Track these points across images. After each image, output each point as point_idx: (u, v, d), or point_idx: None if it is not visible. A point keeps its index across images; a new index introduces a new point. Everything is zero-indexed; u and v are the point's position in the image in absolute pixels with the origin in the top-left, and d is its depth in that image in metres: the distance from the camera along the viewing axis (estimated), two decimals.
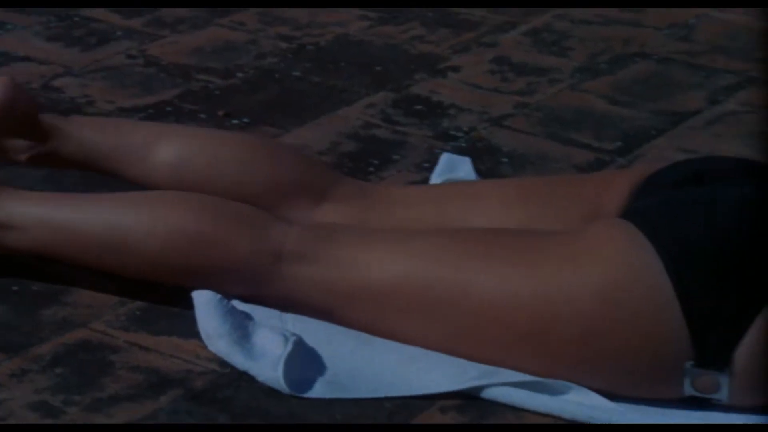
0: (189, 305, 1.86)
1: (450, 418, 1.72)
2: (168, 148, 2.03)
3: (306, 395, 1.73)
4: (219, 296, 1.83)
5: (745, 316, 1.67)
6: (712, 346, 1.68)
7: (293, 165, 2.06)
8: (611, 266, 1.72)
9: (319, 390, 1.74)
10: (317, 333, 1.85)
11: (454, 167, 2.33)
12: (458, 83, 2.78)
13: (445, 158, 2.37)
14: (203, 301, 1.84)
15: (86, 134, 2.05)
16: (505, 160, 2.47)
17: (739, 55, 2.94)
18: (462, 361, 1.79)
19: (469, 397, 1.75)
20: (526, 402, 1.73)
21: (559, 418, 1.73)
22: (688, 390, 1.72)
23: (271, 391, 1.74)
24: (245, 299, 1.88)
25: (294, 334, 1.80)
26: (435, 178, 2.33)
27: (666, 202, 1.79)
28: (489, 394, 1.75)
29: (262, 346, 1.80)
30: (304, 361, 1.79)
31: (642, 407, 1.75)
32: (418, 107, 2.66)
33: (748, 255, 1.70)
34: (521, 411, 1.74)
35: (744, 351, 1.68)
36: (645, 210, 1.79)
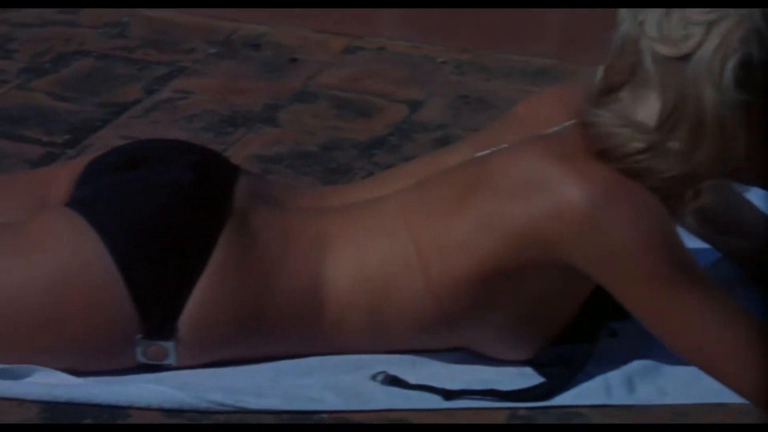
0: None
1: None
2: None
3: None
4: None
5: (184, 288, 1.68)
6: (156, 319, 1.68)
7: None
8: (57, 256, 1.69)
9: None
10: None
11: None
12: None
13: None
14: None
15: None
16: None
17: (170, 48, 2.96)
18: None
19: None
20: None
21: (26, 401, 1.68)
22: (141, 359, 1.73)
23: None
24: None
25: None
26: None
27: (105, 187, 1.78)
28: None
29: None
30: None
31: (104, 378, 1.75)
32: None
33: (181, 232, 1.71)
34: None
35: (186, 320, 1.69)
36: (85, 197, 1.78)
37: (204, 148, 2.02)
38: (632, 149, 1.58)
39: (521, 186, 1.61)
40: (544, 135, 1.69)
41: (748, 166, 1.61)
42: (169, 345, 1.71)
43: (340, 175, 2.44)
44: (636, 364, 1.77)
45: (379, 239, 1.71)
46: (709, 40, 1.54)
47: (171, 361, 1.73)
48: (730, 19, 1.54)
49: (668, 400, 1.72)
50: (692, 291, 1.59)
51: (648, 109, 1.59)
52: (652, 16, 1.59)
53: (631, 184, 1.59)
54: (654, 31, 1.58)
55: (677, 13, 1.57)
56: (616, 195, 1.58)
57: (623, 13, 1.62)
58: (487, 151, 1.72)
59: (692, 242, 1.85)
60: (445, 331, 1.72)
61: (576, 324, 1.72)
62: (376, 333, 1.74)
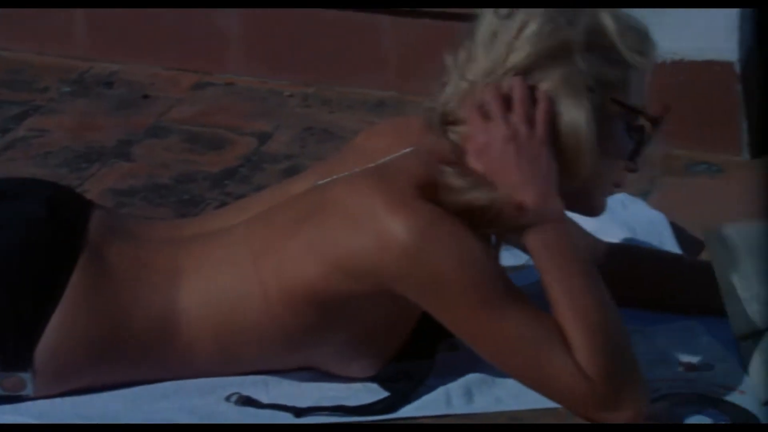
0: None
1: None
2: None
3: None
4: None
5: (39, 320, 1.69)
6: (12, 351, 1.69)
7: None
8: None
9: None
10: None
11: None
12: None
13: None
14: None
15: None
16: None
17: (24, 87, 2.95)
18: None
19: None
20: None
21: None
22: None
23: None
24: None
25: None
26: None
27: None
28: None
29: None
30: None
31: None
32: None
33: (34, 265, 1.71)
34: None
35: (42, 351, 1.70)
36: None
37: (57, 184, 2.03)
38: (455, 184, 1.63)
39: (351, 216, 1.65)
40: (378, 164, 1.73)
41: (574, 193, 1.66)
42: (26, 376, 1.71)
43: (193, 206, 2.46)
44: (474, 376, 1.82)
45: (226, 267, 1.74)
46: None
47: (28, 391, 1.73)
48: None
49: (503, 407, 1.78)
50: (510, 315, 1.64)
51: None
52: (478, 46, 1.64)
53: (450, 218, 1.64)
54: (480, 61, 1.63)
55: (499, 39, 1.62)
56: (437, 230, 1.62)
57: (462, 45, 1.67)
58: (328, 179, 1.76)
59: (515, 259, 1.93)
60: (290, 351, 1.75)
61: (416, 340, 1.77)
62: (226, 357, 1.76)
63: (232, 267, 1.73)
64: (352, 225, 1.65)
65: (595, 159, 1.63)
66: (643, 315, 1.95)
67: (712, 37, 2.65)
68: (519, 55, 1.62)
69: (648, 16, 2.61)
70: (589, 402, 1.61)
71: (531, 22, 1.61)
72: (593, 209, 1.75)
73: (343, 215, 1.66)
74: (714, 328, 1.91)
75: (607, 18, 1.64)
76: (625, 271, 1.96)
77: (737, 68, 2.66)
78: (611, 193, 1.76)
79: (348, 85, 3.01)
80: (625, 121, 1.68)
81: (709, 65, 2.67)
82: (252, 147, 2.73)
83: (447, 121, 1.68)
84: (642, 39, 1.65)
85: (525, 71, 1.62)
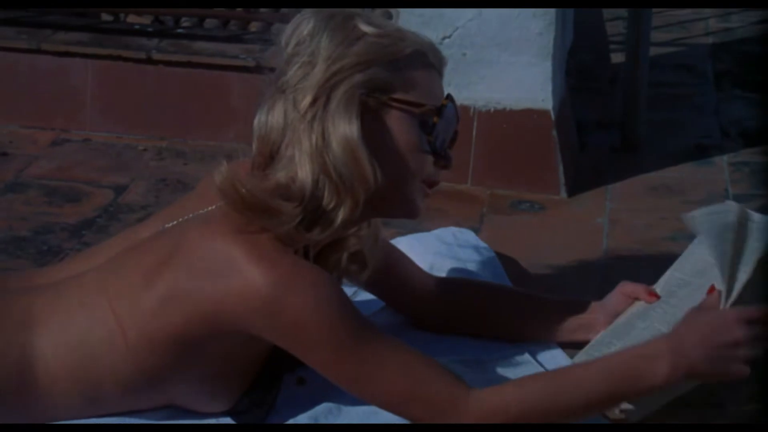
0: None
1: None
2: None
3: None
4: None
5: None
6: None
7: None
8: None
9: None
10: None
11: None
12: None
13: None
14: None
15: None
16: None
17: None
18: None
19: None
20: None
21: None
22: None
23: None
24: None
25: None
26: None
27: None
28: None
29: None
30: None
31: None
32: None
33: None
34: None
35: None
36: None
37: None
38: (288, 222, 1.62)
39: (210, 265, 1.63)
40: (218, 208, 1.70)
41: (386, 197, 1.67)
42: None
43: (52, 256, 2.42)
44: (322, 406, 1.82)
45: (82, 311, 1.71)
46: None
47: None
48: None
49: None
50: (368, 349, 1.64)
51: (300, 176, 1.64)
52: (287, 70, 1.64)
53: (305, 265, 1.64)
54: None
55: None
56: (296, 280, 1.62)
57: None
58: (174, 222, 1.74)
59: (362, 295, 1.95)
60: (149, 390, 1.73)
61: (266, 373, 1.76)
62: (88, 399, 1.73)
63: (88, 312, 1.70)
64: (212, 274, 1.62)
65: (382, 161, 1.63)
66: (480, 345, 1.98)
67: (530, 88, 2.73)
68: (315, 77, 1.62)
69: (474, 70, 2.69)
70: (453, 414, 1.61)
71: (321, 50, 1.62)
72: (411, 210, 1.75)
73: (201, 263, 1.64)
74: (544, 357, 1.95)
75: (367, 28, 1.64)
76: (459, 303, 1.98)
77: (552, 116, 2.73)
78: (426, 192, 1.75)
79: (200, 138, 3.00)
80: (414, 117, 1.70)
81: (528, 113, 2.74)
82: (109, 199, 2.70)
83: (266, 163, 1.66)
84: (395, 40, 1.66)
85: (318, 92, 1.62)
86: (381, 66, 1.65)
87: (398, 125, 1.67)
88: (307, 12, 1.67)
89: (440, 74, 1.73)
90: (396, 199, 1.72)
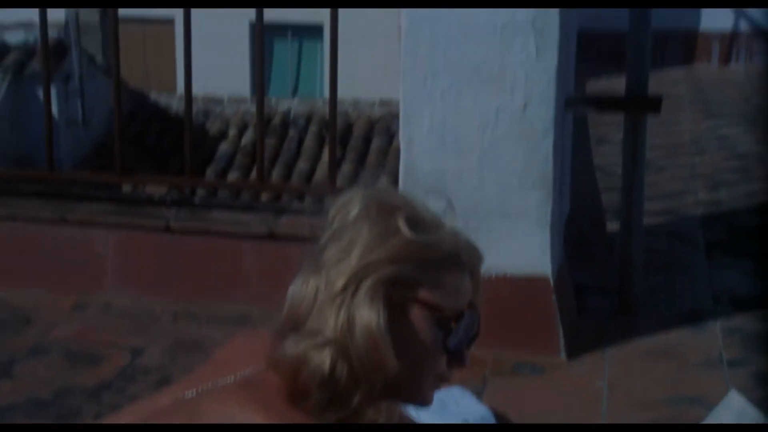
0: None
1: None
2: None
3: None
4: None
5: None
6: None
7: None
8: None
9: None
10: None
11: None
12: None
13: None
14: None
15: None
16: None
17: None
18: None
19: None
20: None
21: None
22: None
23: None
24: None
25: None
26: None
27: None
28: None
29: None
30: None
31: None
32: None
33: None
34: None
35: None
36: None
37: None
38: (314, 390, 1.65)
39: None
40: (239, 378, 1.73)
41: (399, 385, 1.71)
42: None
43: (71, 418, 2.44)
44: None
45: None
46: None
47: None
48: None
49: None
50: None
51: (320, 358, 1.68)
52: (328, 260, 1.69)
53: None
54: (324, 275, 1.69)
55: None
56: None
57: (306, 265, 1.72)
58: (193, 391, 1.77)
59: None
60: None
61: None
62: None
63: None
64: None
65: (400, 354, 1.67)
66: None
67: (530, 255, 2.79)
68: (350, 264, 1.66)
69: (476, 238, 2.75)
70: None
71: (359, 239, 1.67)
72: (420, 401, 1.78)
73: None
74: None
75: (404, 229, 1.70)
76: None
77: (551, 281, 2.79)
78: (438, 385, 1.79)
79: (214, 302, 3.06)
80: (433, 317, 1.74)
81: (528, 279, 2.80)
82: (126, 361, 2.74)
83: (293, 329, 1.70)
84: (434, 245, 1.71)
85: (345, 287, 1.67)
86: (411, 264, 1.70)
87: (419, 321, 1.71)
88: (359, 193, 1.72)
89: (474, 272, 1.77)
90: (408, 389, 1.75)
